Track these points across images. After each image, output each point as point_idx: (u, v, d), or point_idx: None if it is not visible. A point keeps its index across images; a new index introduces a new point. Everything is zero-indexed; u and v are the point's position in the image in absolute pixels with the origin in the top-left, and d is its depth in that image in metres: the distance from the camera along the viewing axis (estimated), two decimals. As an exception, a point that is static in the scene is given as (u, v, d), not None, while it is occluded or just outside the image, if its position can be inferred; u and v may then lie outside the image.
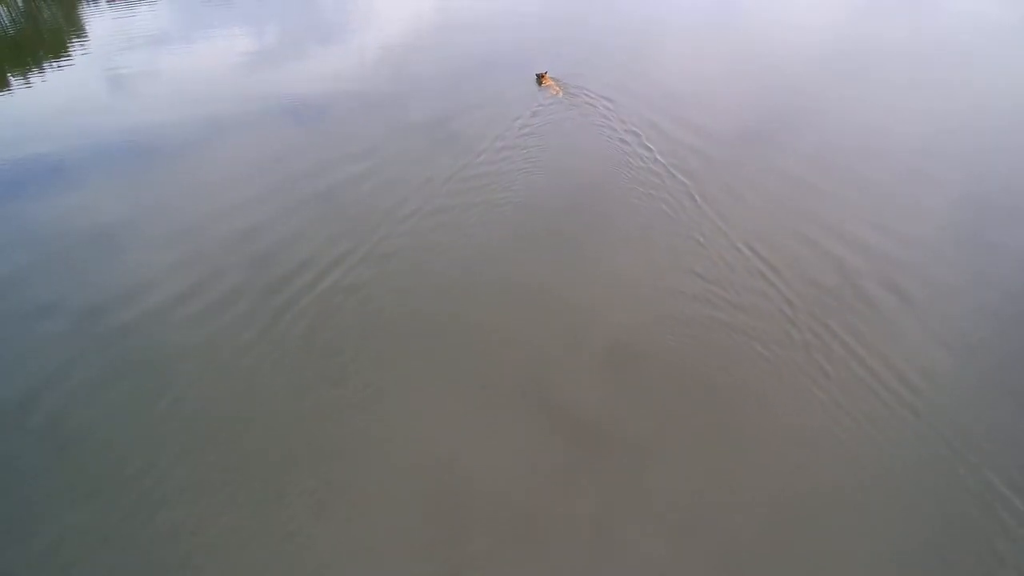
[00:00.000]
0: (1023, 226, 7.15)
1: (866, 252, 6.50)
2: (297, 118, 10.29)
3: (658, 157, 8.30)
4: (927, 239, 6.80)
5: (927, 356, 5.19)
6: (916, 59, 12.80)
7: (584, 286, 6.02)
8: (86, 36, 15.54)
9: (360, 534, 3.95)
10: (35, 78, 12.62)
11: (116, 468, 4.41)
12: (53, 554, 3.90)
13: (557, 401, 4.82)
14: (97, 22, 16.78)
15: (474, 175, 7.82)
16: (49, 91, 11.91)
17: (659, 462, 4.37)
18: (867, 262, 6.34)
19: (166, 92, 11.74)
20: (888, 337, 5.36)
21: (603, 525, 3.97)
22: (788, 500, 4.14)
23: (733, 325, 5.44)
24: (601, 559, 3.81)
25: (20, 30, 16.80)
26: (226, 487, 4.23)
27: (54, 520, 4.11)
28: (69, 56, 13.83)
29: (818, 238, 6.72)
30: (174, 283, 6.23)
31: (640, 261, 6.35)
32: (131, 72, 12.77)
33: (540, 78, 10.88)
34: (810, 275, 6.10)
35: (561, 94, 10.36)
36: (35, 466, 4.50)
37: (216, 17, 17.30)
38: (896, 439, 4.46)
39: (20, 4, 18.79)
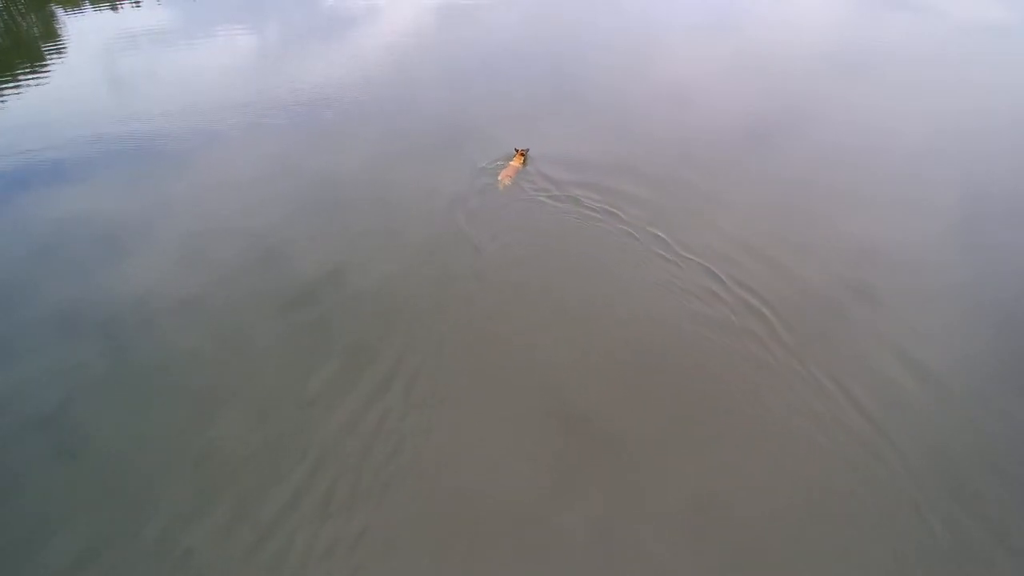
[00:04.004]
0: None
1: (865, 253, 6.67)
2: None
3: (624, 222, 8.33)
4: (927, 239, 6.96)
5: (928, 358, 5.28)
6: (915, 60, 12.95)
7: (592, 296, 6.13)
8: (75, 40, 15.22)
9: (381, 546, 4.05)
10: (30, 82, 12.44)
11: (123, 473, 4.52)
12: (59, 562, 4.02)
13: (571, 411, 4.95)
14: (82, 26, 16.41)
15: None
16: (47, 94, 11.80)
17: (671, 471, 4.48)
18: (866, 263, 6.51)
19: (164, 94, 11.66)
20: (889, 339, 5.49)
21: (618, 530, 4.12)
22: (792, 505, 4.21)
23: (735, 332, 5.55)
24: (616, 563, 3.94)
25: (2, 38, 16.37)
26: (233, 496, 4.33)
27: (60, 526, 4.22)
28: (54, 62, 13.56)
29: (819, 241, 6.88)
30: (180, 287, 6.34)
31: (640, 275, 6.40)
32: (127, 76, 12.68)
33: (521, 157, 8.41)
34: (810, 278, 6.23)
35: (507, 182, 8.00)
36: (39, 471, 4.59)
37: (206, 18, 16.98)
38: (899, 443, 4.53)
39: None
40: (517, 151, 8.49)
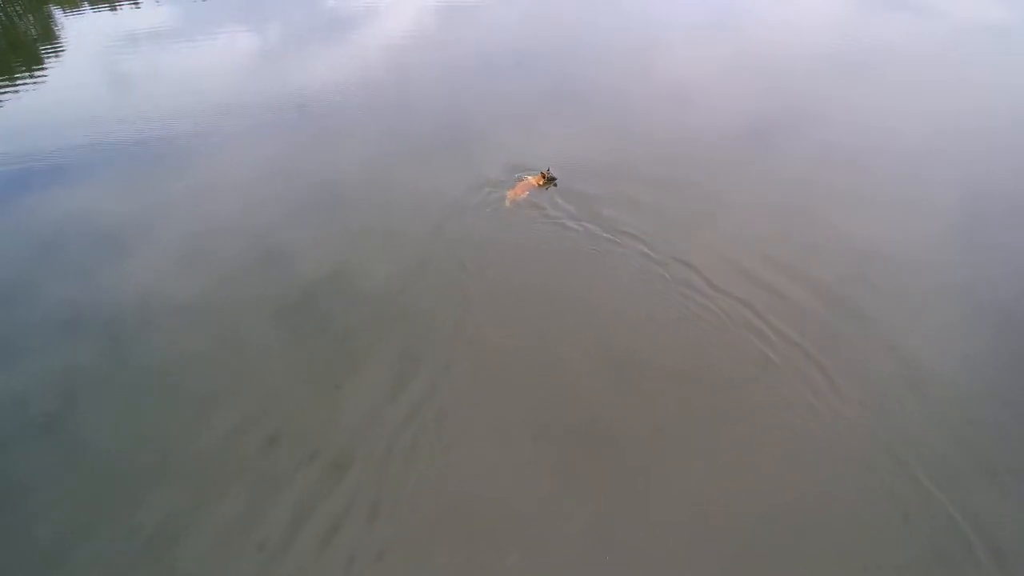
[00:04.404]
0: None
1: (871, 253, 6.67)
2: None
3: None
4: (928, 239, 6.96)
5: (929, 358, 5.29)
6: (916, 60, 12.96)
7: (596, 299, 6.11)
8: (73, 41, 15.23)
9: (388, 550, 4.04)
10: (28, 85, 12.43)
11: (123, 474, 4.54)
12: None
13: (575, 419, 4.94)
14: (81, 26, 16.39)
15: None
16: (47, 96, 11.80)
17: (676, 476, 4.48)
18: (868, 264, 6.50)
19: (164, 96, 11.69)
20: (891, 340, 5.49)
21: (631, 534, 4.13)
22: (801, 509, 4.22)
23: (737, 334, 5.54)
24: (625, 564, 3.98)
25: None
26: (234, 499, 4.33)
27: (61, 526, 4.23)
28: (53, 64, 13.54)
29: (820, 240, 6.89)
30: (180, 288, 6.37)
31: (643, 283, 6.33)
32: (126, 77, 12.69)
33: (547, 181, 7.64)
34: (811, 280, 6.22)
35: (515, 199, 7.51)
36: (40, 471, 4.61)
37: (205, 18, 16.95)
38: (899, 444, 4.57)
39: (-6, 12, 18.19)
40: (542, 173, 7.62)
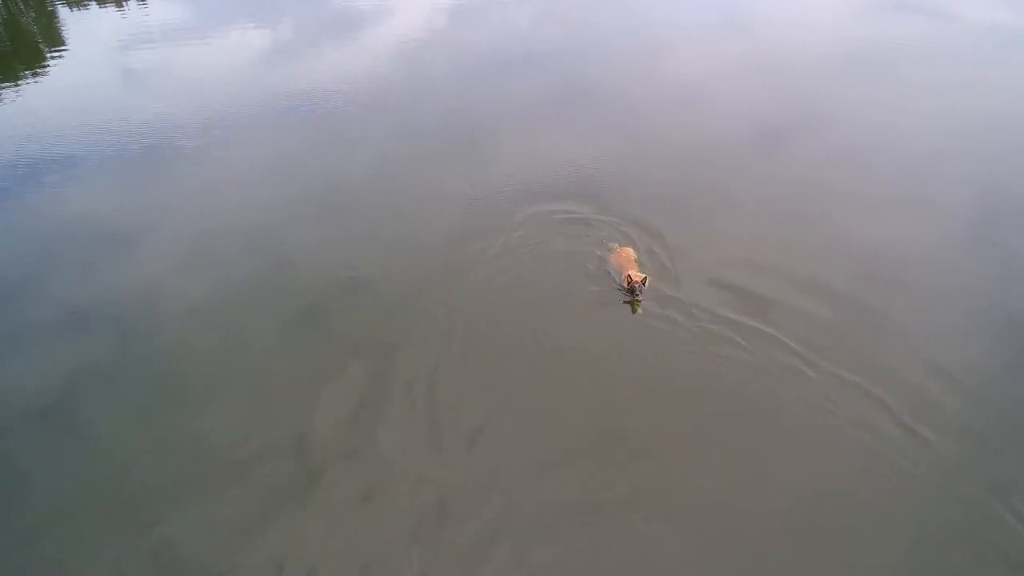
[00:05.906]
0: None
1: (875, 255, 6.69)
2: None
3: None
4: (938, 241, 6.99)
5: (940, 362, 5.32)
6: (926, 61, 12.87)
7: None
8: (79, 37, 15.21)
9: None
10: (30, 83, 12.40)
11: (124, 473, 4.63)
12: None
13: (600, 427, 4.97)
14: (87, 22, 16.34)
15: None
16: (50, 95, 11.83)
17: (685, 472, 4.58)
18: (878, 267, 6.51)
19: (172, 91, 11.72)
20: (901, 343, 5.53)
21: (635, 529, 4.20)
22: (804, 507, 4.30)
23: (748, 342, 5.53)
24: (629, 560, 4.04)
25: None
26: (234, 498, 4.43)
27: (61, 522, 4.32)
28: (57, 61, 13.51)
29: (826, 242, 6.90)
30: (185, 288, 6.44)
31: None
32: (131, 75, 12.69)
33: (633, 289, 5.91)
34: (821, 283, 6.21)
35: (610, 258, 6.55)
36: (43, 466, 4.70)
37: (213, 16, 16.87)
38: (909, 446, 4.60)
39: (-2, 9, 18.10)
40: (630, 275, 5.97)
